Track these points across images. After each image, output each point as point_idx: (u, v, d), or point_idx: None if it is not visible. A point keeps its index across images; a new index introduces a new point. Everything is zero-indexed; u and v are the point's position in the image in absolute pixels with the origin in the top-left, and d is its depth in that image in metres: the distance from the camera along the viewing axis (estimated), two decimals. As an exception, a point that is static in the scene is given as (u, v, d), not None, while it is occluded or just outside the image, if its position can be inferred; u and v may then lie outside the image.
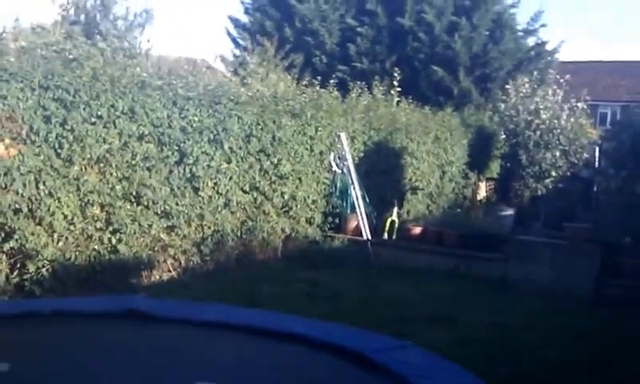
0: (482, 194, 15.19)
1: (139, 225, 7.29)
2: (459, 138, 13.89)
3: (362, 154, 11.09)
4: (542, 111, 14.20)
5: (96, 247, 6.94)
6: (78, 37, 7.39)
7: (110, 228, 7.05)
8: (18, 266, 6.34)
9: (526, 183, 14.54)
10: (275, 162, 9.19)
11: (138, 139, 7.30)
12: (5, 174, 6.05)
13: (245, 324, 2.68)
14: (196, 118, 7.93)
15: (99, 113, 6.82)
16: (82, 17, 15.13)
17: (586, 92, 15.42)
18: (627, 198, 10.27)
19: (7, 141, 6.17)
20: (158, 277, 7.79)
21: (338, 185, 10.39)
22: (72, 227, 6.71)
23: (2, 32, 6.52)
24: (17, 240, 6.19)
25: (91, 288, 6.71)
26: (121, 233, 7.09)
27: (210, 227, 8.35)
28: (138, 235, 7.33)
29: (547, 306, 7.65)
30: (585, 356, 5.98)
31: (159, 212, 7.59)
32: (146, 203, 7.41)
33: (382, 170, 11.49)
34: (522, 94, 14.65)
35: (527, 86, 14.80)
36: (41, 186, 6.33)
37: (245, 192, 8.85)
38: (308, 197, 9.86)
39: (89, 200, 6.82)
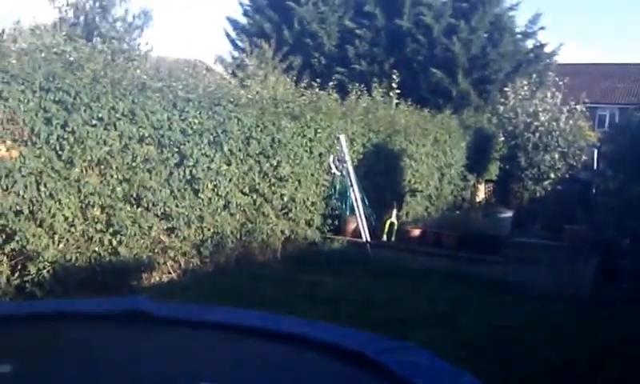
0: (480, 195, 15.23)
1: (139, 226, 7.31)
2: (458, 140, 13.92)
3: (361, 156, 11.11)
4: (540, 113, 14.24)
5: (96, 249, 6.95)
6: (78, 39, 7.41)
7: (111, 230, 7.06)
8: (19, 267, 6.36)
9: (524, 185, 14.58)
10: (275, 164, 9.21)
11: (138, 141, 7.32)
12: (6, 176, 6.06)
13: (250, 326, 2.70)
14: (196, 120, 7.95)
15: (100, 115, 6.84)
16: (82, 18, 15.17)
17: (584, 94, 15.47)
18: (626, 199, 10.28)
19: (9, 142, 6.19)
20: (157, 278, 7.80)
21: (338, 187, 10.41)
22: (72, 229, 6.72)
23: (1, 33, 6.54)
24: (18, 242, 6.21)
25: (91, 289, 6.72)
26: (121, 234, 7.11)
27: (209, 229, 8.37)
28: (138, 237, 7.35)
29: (546, 307, 7.66)
30: (585, 357, 6.00)
31: (159, 214, 7.62)
32: (146, 205, 7.43)
33: (381, 172, 11.51)
34: (520, 97, 14.70)
35: (526, 88, 14.84)
36: (42, 188, 6.34)
37: (244, 194, 8.87)
38: (307, 199, 9.88)
39: (89, 202, 6.84)
